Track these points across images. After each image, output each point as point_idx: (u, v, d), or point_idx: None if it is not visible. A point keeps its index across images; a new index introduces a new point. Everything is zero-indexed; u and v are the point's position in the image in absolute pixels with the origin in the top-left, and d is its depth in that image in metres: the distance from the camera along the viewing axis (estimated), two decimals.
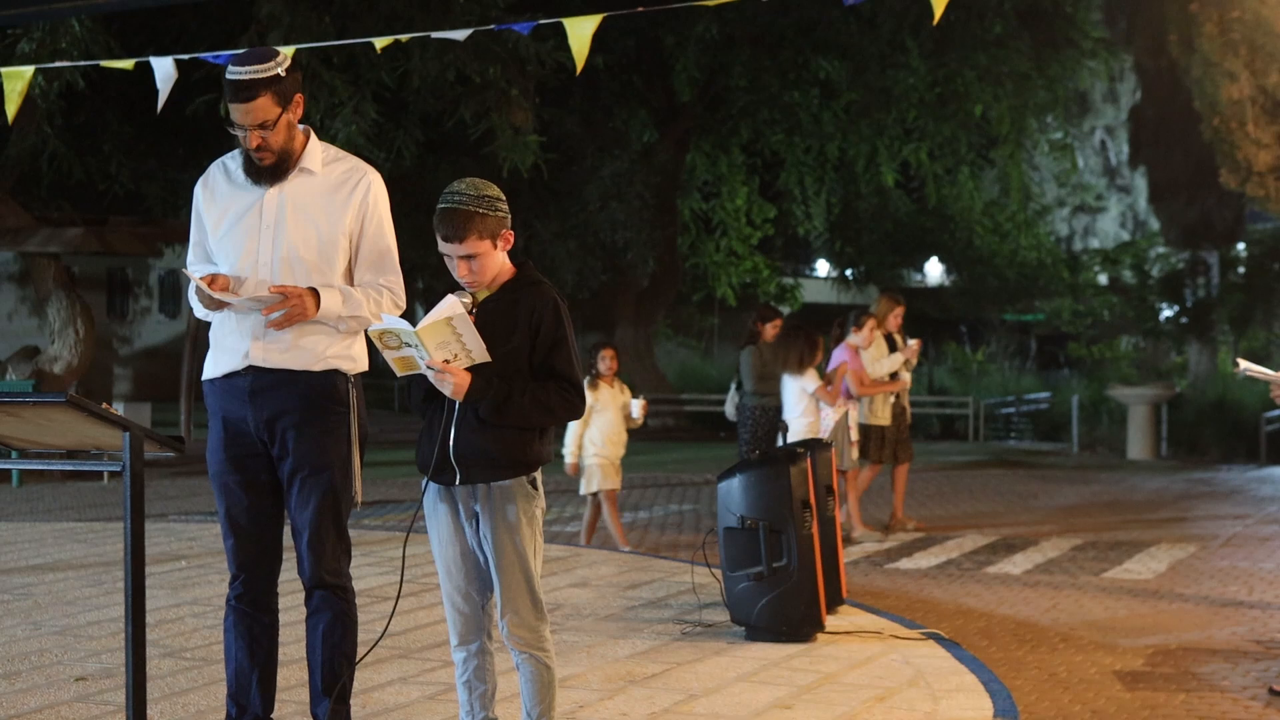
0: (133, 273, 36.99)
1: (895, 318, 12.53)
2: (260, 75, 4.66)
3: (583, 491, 10.99)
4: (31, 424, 4.33)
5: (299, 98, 4.80)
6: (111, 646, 7.09)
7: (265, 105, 4.68)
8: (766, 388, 11.95)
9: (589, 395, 10.50)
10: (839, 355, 12.12)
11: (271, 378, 4.79)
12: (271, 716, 5.03)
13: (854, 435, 11.96)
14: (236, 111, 4.69)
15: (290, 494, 4.86)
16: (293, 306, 4.69)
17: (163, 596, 8.52)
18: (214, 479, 4.93)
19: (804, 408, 11.31)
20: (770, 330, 12.24)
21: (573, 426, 10.75)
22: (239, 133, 4.75)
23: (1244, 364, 6.83)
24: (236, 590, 4.95)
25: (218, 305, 4.78)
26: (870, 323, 12.25)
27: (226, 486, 4.89)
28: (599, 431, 10.78)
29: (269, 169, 4.82)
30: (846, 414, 11.87)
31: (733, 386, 12.43)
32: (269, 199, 4.84)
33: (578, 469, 10.93)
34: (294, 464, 4.82)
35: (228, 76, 4.68)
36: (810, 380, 11.32)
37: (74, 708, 5.97)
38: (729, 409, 12.45)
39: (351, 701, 5.04)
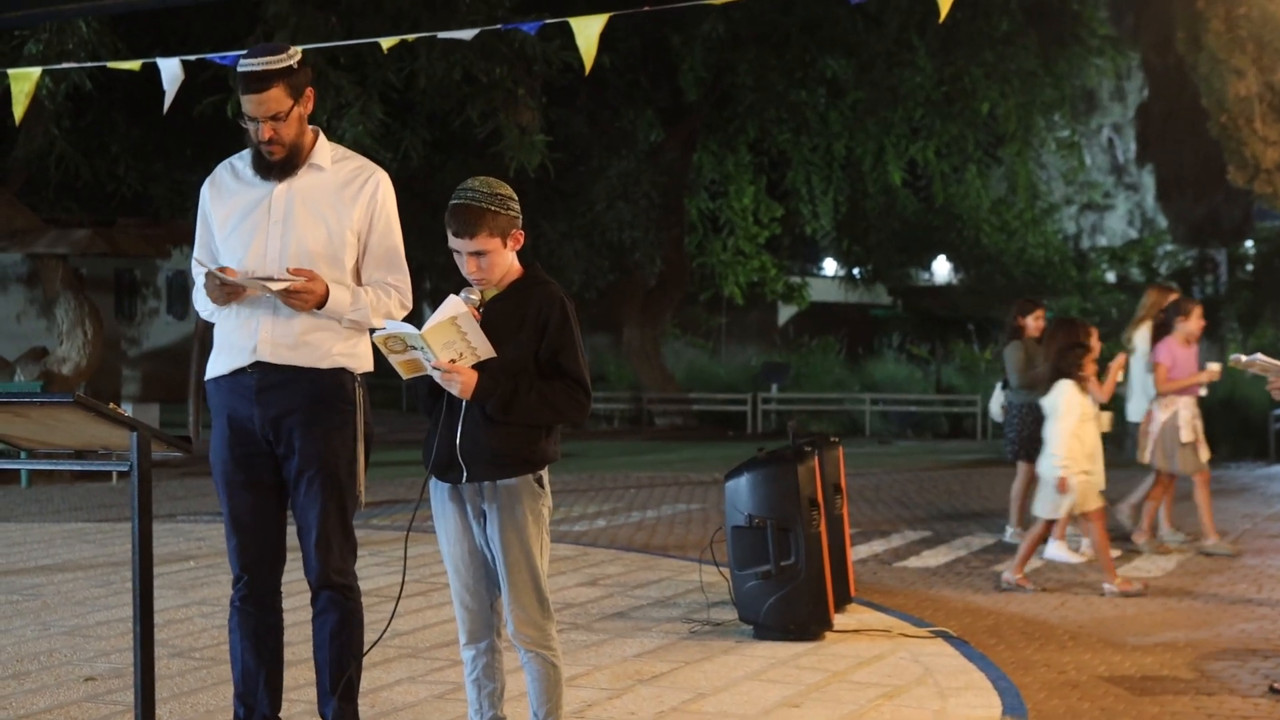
0: (140, 274, 37.01)
1: (1161, 310, 11.41)
2: (273, 66, 4.68)
3: (1055, 514, 9.44)
4: (39, 424, 4.34)
5: (310, 91, 4.82)
6: (120, 646, 7.11)
7: (278, 96, 4.70)
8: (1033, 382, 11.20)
9: (1073, 402, 9.30)
10: (1164, 350, 11.00)
11: (278, 375, 4.79)
12: (279, 716, 5.03)
13: (1185, 435, 10.95)
14: (249, 103, 4.71)
15: (296, 493, 4.86)
16: (306, 285, 4.69)
17: (171, 596, 8.53)
18: (218, 479, 4.93)
19: None
20: (1033, 323, 11.55)
21: (1059, 437, 9.21)
22: (251, 125, 4.76)
23: (1244, 358, 6.66)
24: (241, 591, 4.95)
25: (226, 298, 4.78)
26: (1198, 310, 11.17)
27: (231, 486, 4.89)
28: (1085, 443, 9.26)
29: (279, 163, 4.83)
30: (1176, 413, 10.98)
31: (998, 385, 11.60)
32: (278, 195, 4.85)
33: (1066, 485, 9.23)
34: (300, 463, 4.81)
35: (240, 69, 4.70)
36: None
37: (83, 708, 5.98)
38: (994, 408, 11.56)
39: (360, 701, 5.04)
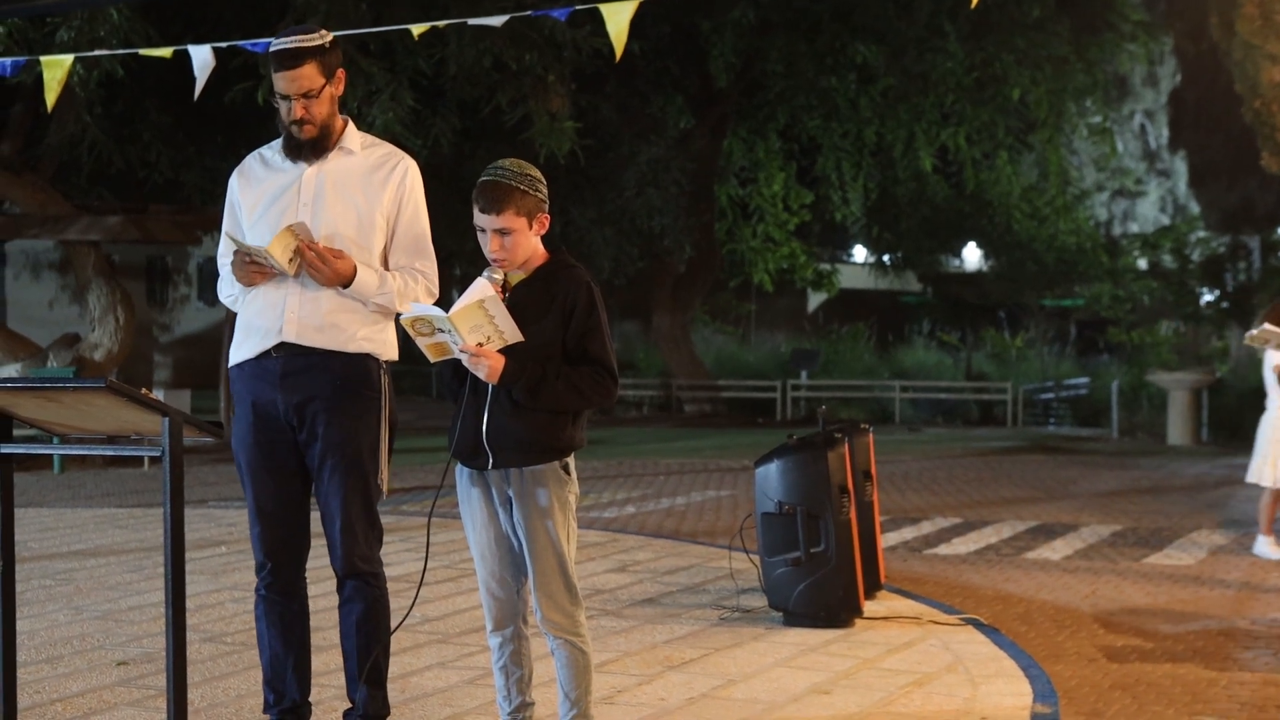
0: (172, 260, 37.20)
1: None
2: (306, 44, 4.73)
3: None
4: (72, 409, 4.36)
5: (341, 73, 4.85)
6: (152, 631, 7.14)
7: (310, 74, 4.73)
8: None
9: None
10: None
11: (303, 360, 4.78)
12: (309, 701, 5.05)
13: None
14: (281, 80, 4.73)
15: (320, 480, 4.85)
16: (333, 262, 4.70)
17: (203, 582, 8.57)
18: (241, 465, 4.91)
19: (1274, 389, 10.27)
20: None
21: None
22: (282, 105, 4.78)
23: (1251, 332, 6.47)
24: (265, 579, 4.94)
25: (252, 278, 4.78)
26: None
27: (254, 472, 4.88)
28: None
29: (310, 143, 4.84)
30: None
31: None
32: (308, 177, 4.86)
33: None
34: (323, 449, 4.81)
35: (273, 49, 4.74)
36: (1276, 353, 10.04)
37: (115, 691, 6.01)
38: None
39: (390, 686, 5.05)
